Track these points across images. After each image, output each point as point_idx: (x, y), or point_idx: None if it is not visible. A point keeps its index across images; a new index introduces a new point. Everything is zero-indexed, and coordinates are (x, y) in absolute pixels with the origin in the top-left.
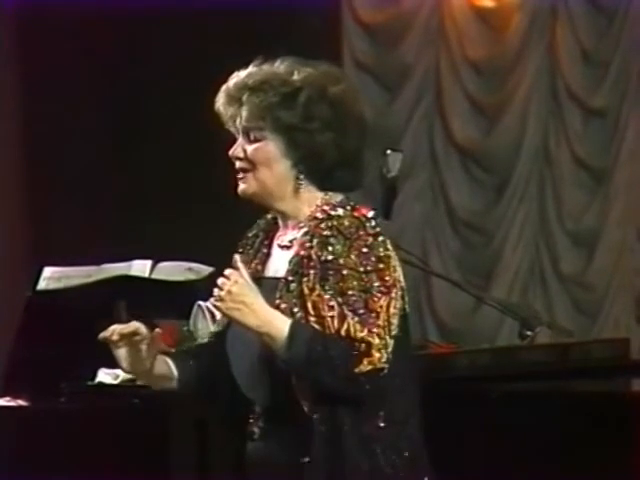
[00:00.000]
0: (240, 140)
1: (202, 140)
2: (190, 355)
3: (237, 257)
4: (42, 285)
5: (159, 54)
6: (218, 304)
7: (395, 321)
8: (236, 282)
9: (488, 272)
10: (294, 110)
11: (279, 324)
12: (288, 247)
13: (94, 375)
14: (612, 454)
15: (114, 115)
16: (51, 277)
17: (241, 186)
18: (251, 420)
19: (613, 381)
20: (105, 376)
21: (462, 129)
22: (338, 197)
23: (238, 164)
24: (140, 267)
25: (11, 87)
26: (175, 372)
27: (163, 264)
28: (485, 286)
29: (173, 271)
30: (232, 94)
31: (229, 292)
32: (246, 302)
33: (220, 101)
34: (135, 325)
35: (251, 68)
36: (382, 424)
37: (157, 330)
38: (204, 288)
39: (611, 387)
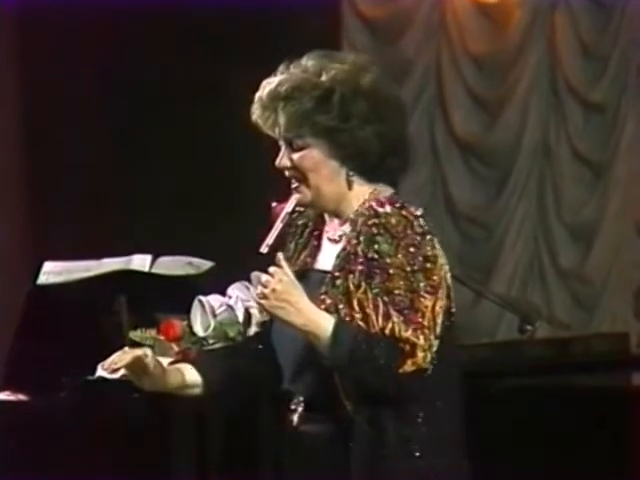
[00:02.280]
0: (283, 150)
1: (202, 136)
2: (217, 357)
3: (280, 255)
4: (42, 279)
5: (159, 54)
6: (262, 302)
7: (440, 321)
8: (280, 280)
9: (488, 266)
10: (330, 112)
11: (323, 323)
12: (337, 241)
13: (94, 369)
14: (611, 447)
15: (115, 110)
16: (51, 271)
17: (297, 196)
18: (292, 407)
19: (612, 375)
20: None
21: (463, 124)
22: (387, 192)
23: (288, 173)
24: (140, 261)
25: (11, 86)
26: (196, 379)
27: (163, 259)
28: (485, 280)
29: (173, 266)
30: (267, 104)
31: (273, 290)
32: (290, 301)
33: (256, 113)
34: (134, 354)
35: (280, 75)
36: (422, 426)
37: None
38: (204, 283)
39: (610, 381)
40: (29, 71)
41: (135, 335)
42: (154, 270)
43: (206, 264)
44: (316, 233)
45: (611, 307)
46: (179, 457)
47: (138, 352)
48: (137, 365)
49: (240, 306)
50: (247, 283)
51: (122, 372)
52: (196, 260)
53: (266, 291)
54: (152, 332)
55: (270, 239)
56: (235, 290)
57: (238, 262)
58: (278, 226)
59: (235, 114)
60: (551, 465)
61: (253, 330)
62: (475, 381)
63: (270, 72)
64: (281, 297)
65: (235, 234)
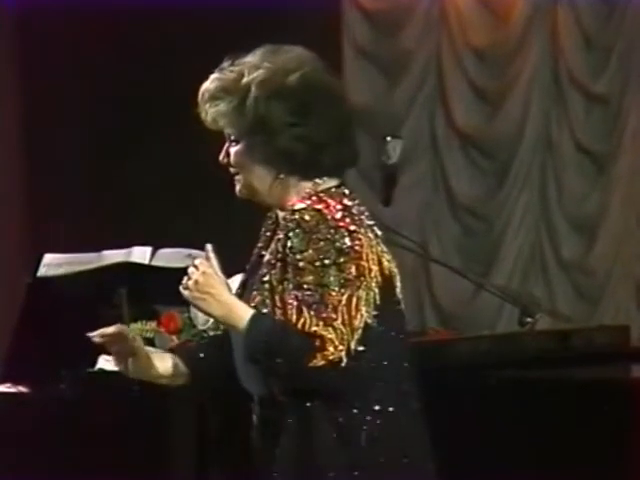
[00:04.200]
0: (226, 144)
1: (202, 129)
2: (200, 348)
3: (209, 246)
4: (42, 272)
5: (159, 53)
6: (185, 293)
7: (360, 313)
8: (204, 273)
9: (489, 259)
10: (245, 115)
11: (242, 315)
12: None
13: (94, 362)
14: (612, 440)
15: (115, 105)
16: (51, 264)
17: (236, 188)
18: (252, 408)
19: (613, 367)
20: (105, 363)
21: (464, 115)
22: (330, 183)
23: (229, 168)
24: (140, 254)
25: (11, 86)
26: (181, 368)
27: (163, 251)
28: (486, 272)
29: (173, 258)
30: (200, 101)
31: (196, 282)
32: (212, 293)
33: (199, 107)
34: (119, 327)
35: (216, 72)
36: (358, 415)
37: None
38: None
39: (611, 373)
40: (29, 71)
41: (135, 327)
42: (154, 262)
43: None
44: (272, 227)
45: (614, 299)
46: (178, 450)
47: (121, 327)
48: (122, 343)
49: None
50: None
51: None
52: (196, 252)
53: (189, 282)
54: (152, 324)
55: None
56: (235, 282)
57: (238, 254)
58: None
59: None
60: (551, 457)
61: None
62: (475, 373)
63: None
64: (203, 289)
65: (235, 227)
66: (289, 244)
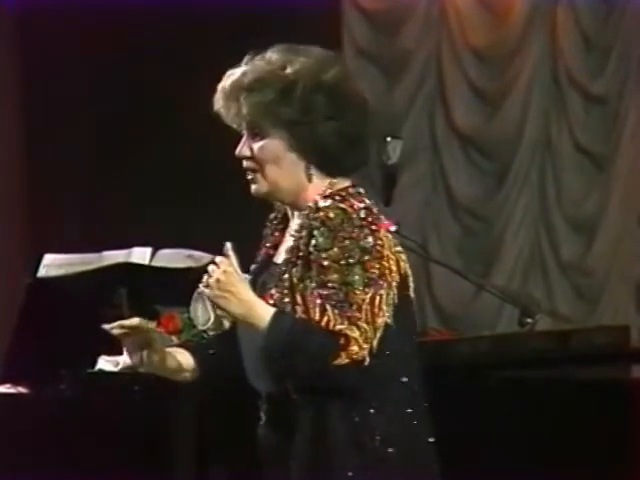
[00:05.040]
0: (244, 139)
1: (202, 129)
2: (210, 345)
3: (228, 245)
4: (42, 272)
5: (159, 53)
6: (206, 291)
7: (382, 312)
8: (225, 271)
9: (489, 259)
10: (292, 105)
11: (263, 313)
12: (293, 235)
13: (94, 362)
14: (612, 440)
15: (115, 105)
16: (51, 264)
17: (253, 187)
18: (259, 406)
19: (613, 368)
20: (105, 363)
21: (463, 116)
22: (344, 183)
23: (245, 163)
24: (140, 254)
25: (11, 86)
26: (192, 364)
27: (163, 251)
28: (486, 273)
29: (173, 258)
30: (229, 95)
31: (217, 280)
32: (232, 291)
33: (219, 102)
34: (137, 320)
35: (244, 65)
36: (376, 415)
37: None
38: (204, 275)
39: (611, 374)
40: (29, 71)
41: None
42: (154, 263)
43: (206, 257)
44: (281, 226)
45: (613, 300)
46: (179, 449)
47: (139, 319)
48: (139, 336)
49: None
50: (247, 276)
51: (122, 365)
52: (196, 253)
53: (210, 281)
54: (152, 325)
55: None
56: None
57: (238, 255)
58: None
59: None
60: (551, 457)
61: None
62: (475, 373)
63: None
64: (224, 287)
65: (235, 227)
66: (313, 242)
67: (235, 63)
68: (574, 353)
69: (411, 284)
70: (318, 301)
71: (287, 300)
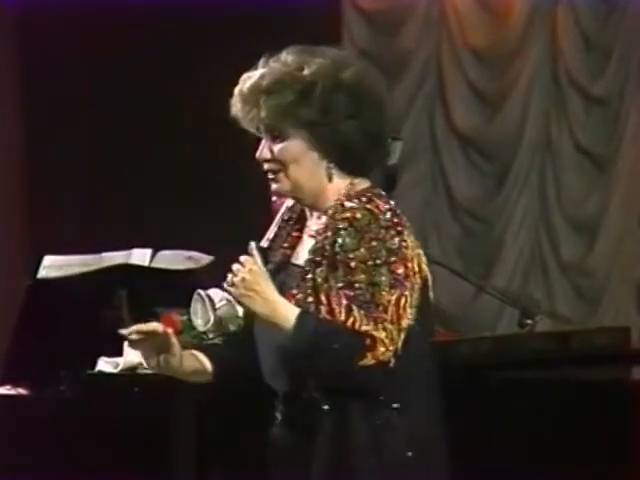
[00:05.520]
0: (264, 142)
1: (202, 130)
2: (226, 346)
3: (253, 244)
4: (42, 273)
5: (159, 53)
6: (231, 290)
7: (407, 314)
8: (250, 270)
9: (489, 260)
10: (312, 106)
11: (287, 313)
12: (314, 236)
13: (94, 364)
14: (612, 441)
15: (115, 105)
16: (51, 265)
17: (274, 185)
18: (275, 405)
19: (613, 369)
20: (105, 365)
21: (463, 116)
22: (364, 184)
23: (266, 166)
24: (140, 256)
25: (11, 86)
26: (209, 366)
27: (163, 253)
28: (486, 274)
29: (173, 260)
30: (247, 98)
31: (242, 279)
32: (257, 290)
33: (237, 106)
34: (154, 324)
35: (261, 68)
36: (398, 415)
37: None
38: (204, 277)
39: (611, 375)
40: (29, 71)
41: None
42: (154, 264)
43: (206, 258)
44: (298, 227)
45: (614, 301)
46: (179, 450)
47: (156, 324)
48: (157, 341)
49: None
50: None
51: (122, 366)
52: (196, 254)
53: (235, 279)
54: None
55: (270, 234)
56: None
57: (238, 256)
58: (278, 221)
59: None
60: (551, 458)
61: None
62: (476, 374)
63: None
64: (249, 286)
65: (235, 228)
66: (339, 242)
67: (235, 63)
68: (574, 354)
69: (430, 285)
70: (344, 301)
71: (311, 300)
